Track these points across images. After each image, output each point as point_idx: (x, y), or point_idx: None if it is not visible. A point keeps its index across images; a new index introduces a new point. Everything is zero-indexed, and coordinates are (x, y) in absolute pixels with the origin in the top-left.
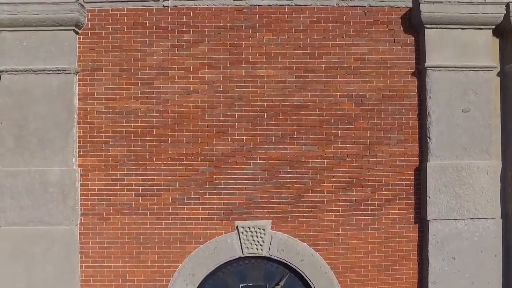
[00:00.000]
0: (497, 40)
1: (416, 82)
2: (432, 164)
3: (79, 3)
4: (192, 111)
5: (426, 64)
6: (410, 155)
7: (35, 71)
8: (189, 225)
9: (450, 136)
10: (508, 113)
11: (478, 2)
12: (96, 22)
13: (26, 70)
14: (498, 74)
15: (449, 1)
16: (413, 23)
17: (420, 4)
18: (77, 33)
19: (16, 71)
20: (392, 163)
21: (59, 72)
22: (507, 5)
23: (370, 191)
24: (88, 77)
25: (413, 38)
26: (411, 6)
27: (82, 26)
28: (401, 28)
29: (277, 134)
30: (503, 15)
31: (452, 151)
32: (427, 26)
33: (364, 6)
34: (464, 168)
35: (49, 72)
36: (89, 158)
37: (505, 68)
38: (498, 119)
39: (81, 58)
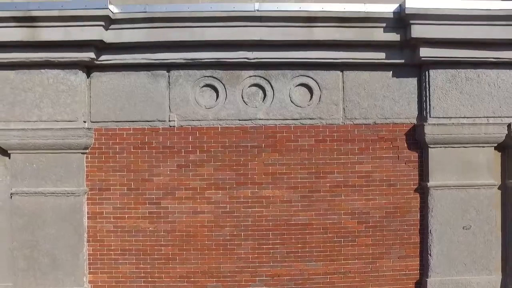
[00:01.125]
0: (498, 154)
1: (419, 198)
2: (432, 281)
3: (86, 128)
4: (199, 230)
5: (429, 184)
6: (411, 269)
7: (45, 193)
8: None
9: (451, 253)
10: (508, 226)
11: (480, 123)
12: (103, 141)
13: (36, 193)
14: (499, 188)
15: (453, 123)
16: (417, 139)
17: (424, 127)
18: (84, 153)
19: (27, 193)
20: (393, 277)
21: (68, 194)
22: (509, 125)
23: None
24: (97, 196)
25: (417, 154)
26: (415, 122)
27: (90, 146)
28: (405, 145)
29: (282, 252)
30: (505, 134)
31: (452, 267)
32: (431, 146)
33: (369, 124)
34: (464, 284)
35: (59, 194)
36: (99, 275)
37: (507, 183)
38: (498, 232)
39: (89, 178)
